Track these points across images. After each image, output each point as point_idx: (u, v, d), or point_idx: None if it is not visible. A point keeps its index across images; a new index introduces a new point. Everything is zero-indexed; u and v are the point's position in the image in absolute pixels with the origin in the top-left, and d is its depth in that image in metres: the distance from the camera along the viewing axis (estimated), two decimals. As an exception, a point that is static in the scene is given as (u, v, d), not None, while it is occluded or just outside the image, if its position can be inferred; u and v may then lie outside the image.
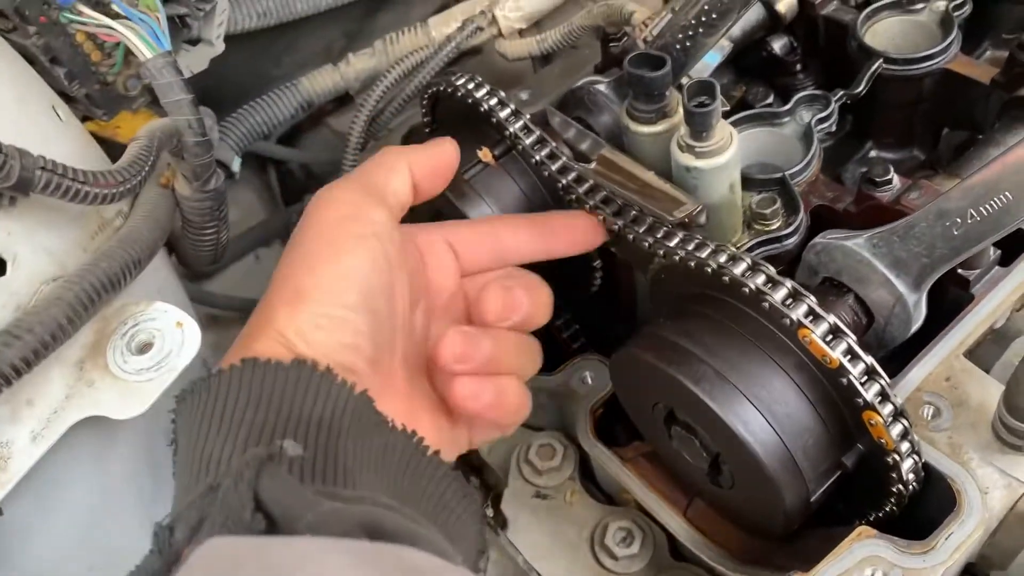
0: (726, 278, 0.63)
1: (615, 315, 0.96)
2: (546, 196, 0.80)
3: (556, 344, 0.98)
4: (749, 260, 0.63)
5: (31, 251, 0.55)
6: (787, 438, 0.61)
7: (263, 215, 1.35)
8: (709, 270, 0.64)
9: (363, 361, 0.56)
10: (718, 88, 0.67)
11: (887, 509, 0.65)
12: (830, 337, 0.59)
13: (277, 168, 1.47)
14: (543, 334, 1.00)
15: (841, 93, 0.86)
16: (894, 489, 0.63)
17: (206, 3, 0.72)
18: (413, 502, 0.54)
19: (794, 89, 0.95)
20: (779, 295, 0.60)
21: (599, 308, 0.98)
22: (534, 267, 0.74)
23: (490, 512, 0.84)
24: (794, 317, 0.59)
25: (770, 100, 0.93)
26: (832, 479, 0.64)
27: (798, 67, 0.98)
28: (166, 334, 0.59)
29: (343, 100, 1.69)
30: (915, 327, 0.68)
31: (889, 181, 0.74)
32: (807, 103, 0.86)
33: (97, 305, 0.57)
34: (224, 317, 1.16)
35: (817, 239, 0.71)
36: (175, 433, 0.52)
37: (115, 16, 0.64)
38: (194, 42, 0.75)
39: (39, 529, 0.59)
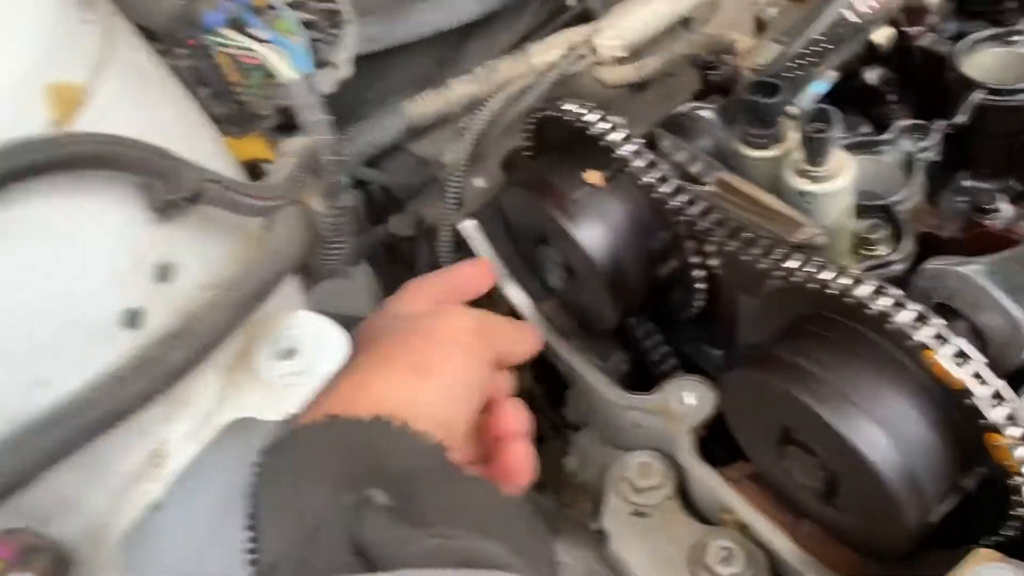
0: (850, 300, 0.64)
1: (710, 339, 0.98)
2: (652, 218, 0.82)
3: (641, 367, 1.00)
4: (875, 283, 0.64)
5: (193, 260, 0.58)
6: (909, 458, 0.62)
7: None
8: (833, 291, 0.65)
9: (441, 429, 0.62)
10: (835, 115, 0.69)
11: (1007, 534, 0.65)
12: (959, 360, 0.60)
13: (362, 190, 1.50)
14: (633, 356, 1.02)
15: (943, 122, 0.87)
16: (1015, 513, 0.63)
17: (338, 28, 0.75)
18: (497, 538, 0.58)
19: (888, 119, 0.96)
20: (906, 317, 0.62)
21: (691, 331, 1.00)
22: (627, 281, 0.81)
23: (593, 525, 0.86)
24: (919, 339, 0.61)
25: (868, 129, 0.95)
26: (951, 501, 0.65)
27: (893, 97, 0.99)
28: (311, 342, 0.62)
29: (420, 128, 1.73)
30: (1031, 353, 0.69)
31: (996, 209, 0.75)
32: (908, 132, 0.88)
33: (251, 312, 0.60)
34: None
35: (929, 264, 0.72)
36: (257, 486, 0.56)
37: (259, 39, 0.68)
38: (321, 65, 0.78)
39: (185, 526, 0.61)
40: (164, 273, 0.56)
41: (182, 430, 0.58)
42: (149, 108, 0.59)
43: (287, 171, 0.63)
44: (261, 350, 0.62)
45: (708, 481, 0.83)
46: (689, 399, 0.85)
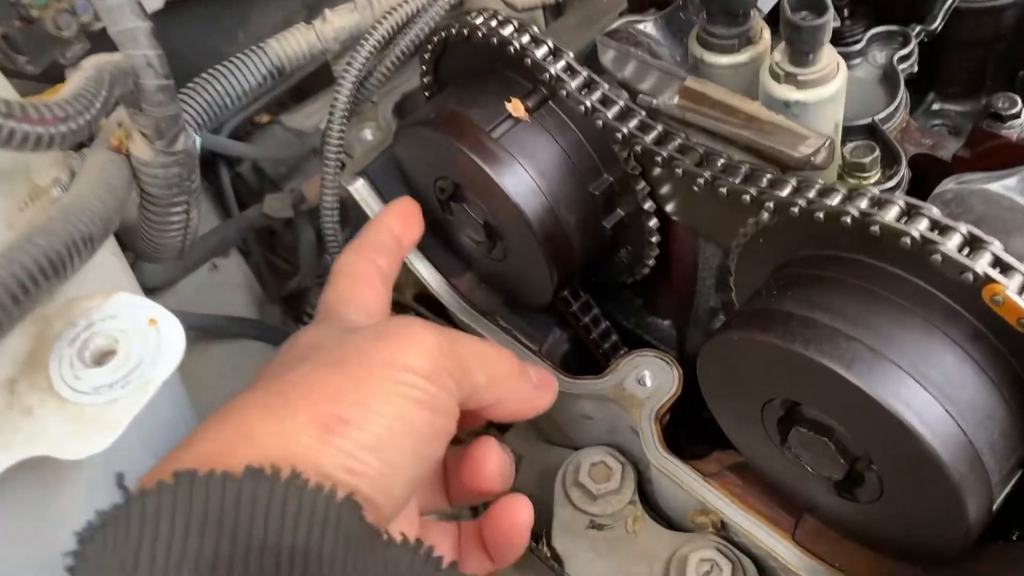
0: (875, 228, 0.48)
1: (654, 307, 0.82)
2: (592, 155, 0.65)
3: (584, 346, 0.83)
4: (903, 202, 0.49)
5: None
6: (970, 430, 0.47)
7: (215, 220, 1.17)
8: (848, 220, 0.49)
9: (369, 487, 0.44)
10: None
11: (1079, 515, 0.51)
12: (1025, 293, 0.46)
13: (229, 170, 1.30)
14: (572, 335, 0.85)
15: (919, 28, 0.74)
16: (1100, 488, 0.49)
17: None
18: None
19: (842, 36, 0.82)
20: (953, 243, 0.46)
21: (629, 300, 0.84)
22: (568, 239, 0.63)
23: (545, 550, 0.68)
24: (979, 270, 0.45)
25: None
26: (1015, 480, 0.50)
27: (845, 12, 0.85)
28: (134, 336, 0.42)
29: (297, 94, 1.53)
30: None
31: (1018, 115, 0.62)
32: (881, 41, 0.74)
33: (32, 298, 0.40)
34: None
35: (946, 185, 0.58)
36: None
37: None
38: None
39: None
40: None
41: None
42: None
43: (77, 84, 0.43)
44: (60, 353, 0.42)
45: (681, 478, 0.67)
46: (648, 380, 0.69)
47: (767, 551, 0.63)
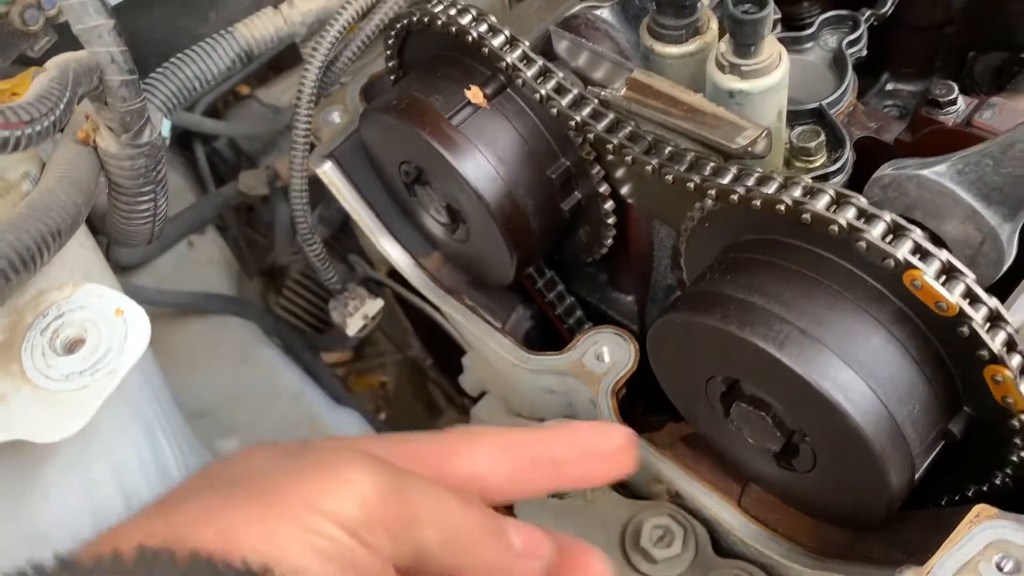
0: (806, 216, 0.51)
1: (618, 284, 0.85)
2: (550, 140, 0.68)
3: (547, 323, 0.86)
4: (832, 191, 0.51)
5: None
6: (892, 405, 0.50)
7: (192, 198, 1.19)
8: (782, 208, 0.52)
9: None
10: (767, -8, 0.56)
11: (997, 482, 0.55)
12: (943, 278, 0.48)
13: (204, 146, 1.31)
14: (536, 312, 0.88)
15: (869, 12, 0.76)
16: (1014, 458, 0.52)
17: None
18: None
19: (798, 19, 0.84)
20: (877, 231, 0.49)
21: (594, 277, 0.87)
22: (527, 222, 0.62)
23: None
24: (900, 256, 0.48)
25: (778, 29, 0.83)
26: (936, 451, 0.53)
27: (804, -6, 0.87)
28: (102, 325, 0.44)
29: (275, 66, 1.53)
30: (1006, 265, 0.58)
31: (954, 101, 0.64)
32: (832, 25, 0.76)
33: (4, 292, 0.42)
34: (158, 315, 1.00)
35: (883, 171, 0.60)
36: None
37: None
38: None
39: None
40: None
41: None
42: None
43: (41, 86, 0.45)
44: (32, 343, 0.44)
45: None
46: (606, 355, 0.72)
47: (715, 518, 0.66)
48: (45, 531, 0.49)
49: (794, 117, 0.69)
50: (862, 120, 0.70)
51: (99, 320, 0.45)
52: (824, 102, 0.69)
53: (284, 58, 1.50)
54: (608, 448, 0.48)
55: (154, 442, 0.62)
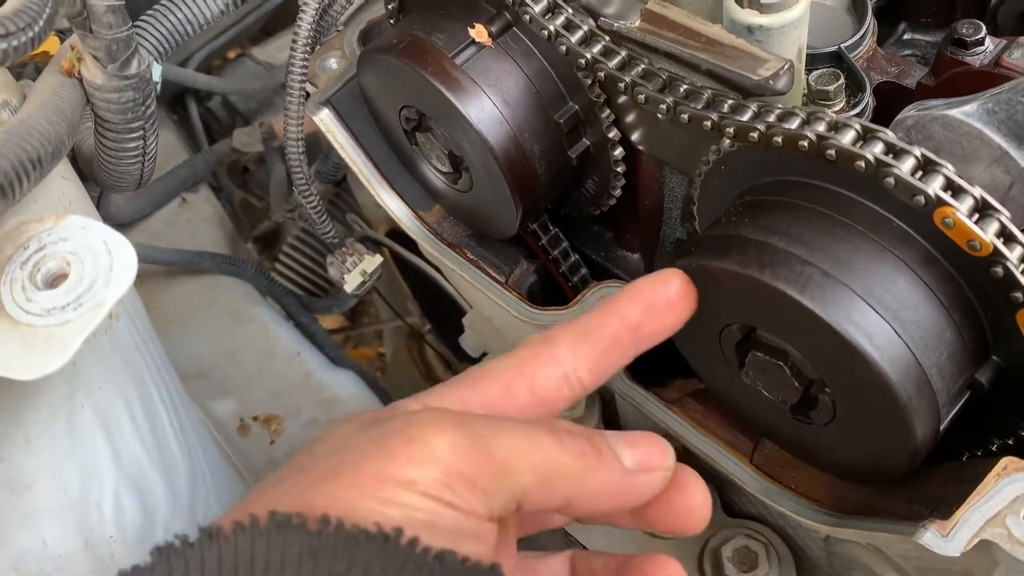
0: (831, 152, 0.48)
1: (622, 240, 0.82)
2: (558, 82, 0.65)
3: (550, 278, 0.84)
4: (859, 125, 0.49)
5: None
6: (919, 352, 0.48)
7: (185, 155, 1.16)
8: (805, 144, 0.49)
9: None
10: (790, -81, 0.53)
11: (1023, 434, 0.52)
12: (976, 216, 0.46)
13: (198, 106, 1.28)
14: (539, 267, 0.86)
15: (890, -48, 0.73)
16: (1045, 408, 0.50)
17: None
18: None
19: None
20: (907, 166, 0.47)
21: (598, 233, 0.84)
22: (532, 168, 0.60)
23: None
24: (931, 192, 0.46)
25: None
26: (962, 402, 0.51)
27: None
28: (86, 258, 0.42)
29: (265, 27, 1.49)
30: (1036, 211, 0.56)
31: (981, 41, 0.61)
32: (851, -33, 0.73)
33: (-20, 219, 0.39)
34: (150, 273, 0.97)
35: (907, 112, 0.58)
36: None
37: None
38: None
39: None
40: None
41: None
42: None
43: (18, 1, 0.42)
44: (12, 276, 0.42)
45: (644, 406, 0.68)
46: (614, 310, 0.69)
47: (726, 474, 0.64)
48: (29, 477, 0.47)
49: (812, 61, 0.66)
50: (882, 65, 0.68)
51: (83, 253, 0.42)
52: (843, 45, 0.66)
53: (278, 21, 1.47)
54: (672, 295, 0.50)
55: (146, 396, 0.60)
